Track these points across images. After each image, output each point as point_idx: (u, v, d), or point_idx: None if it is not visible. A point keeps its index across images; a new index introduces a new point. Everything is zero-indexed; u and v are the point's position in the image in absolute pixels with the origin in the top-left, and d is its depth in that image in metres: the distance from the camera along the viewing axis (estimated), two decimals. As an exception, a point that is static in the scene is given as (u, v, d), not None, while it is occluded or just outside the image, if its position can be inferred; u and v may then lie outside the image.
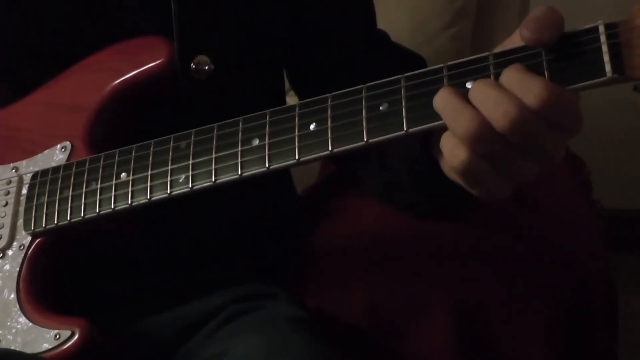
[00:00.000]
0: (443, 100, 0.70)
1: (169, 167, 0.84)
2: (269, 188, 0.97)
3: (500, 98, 0.67)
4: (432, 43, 1.66)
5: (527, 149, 0.68)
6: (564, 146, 0.70)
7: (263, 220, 1.04)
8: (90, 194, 0.88)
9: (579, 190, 1.19)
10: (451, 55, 1.66)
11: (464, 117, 0.68)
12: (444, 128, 0.71)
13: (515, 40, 0.70)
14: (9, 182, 0.94)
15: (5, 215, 0.93)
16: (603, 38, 0.65)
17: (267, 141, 0.79)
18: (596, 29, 0.66)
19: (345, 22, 1.05)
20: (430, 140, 0.77)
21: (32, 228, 0.90)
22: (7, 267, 0.91)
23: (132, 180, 0.86)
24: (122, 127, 0.93)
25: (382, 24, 1.11)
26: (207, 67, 0.94)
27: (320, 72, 1.05)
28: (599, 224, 1.14)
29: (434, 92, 0.71)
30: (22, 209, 0.92)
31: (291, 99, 1.15)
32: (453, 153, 0.70)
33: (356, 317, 1.00)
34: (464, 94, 0.69)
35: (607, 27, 0.66)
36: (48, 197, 0.90)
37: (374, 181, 1.00)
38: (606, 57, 0.65)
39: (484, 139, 0.68)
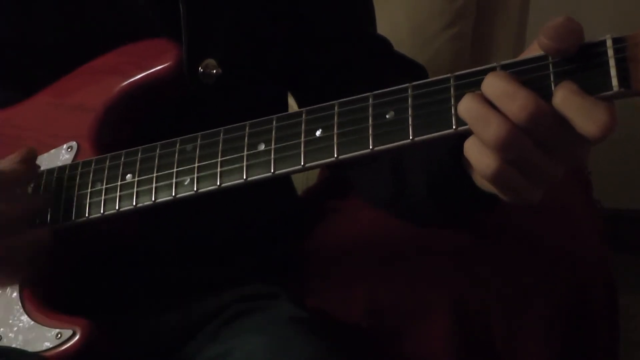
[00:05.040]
0: (468, 108, 0.68)
1: (175, 170, 0.84)
2: (268, 189, 0.96)
3: (514, 91, 0.66)
4: (432, 43, 1.66)
5: (553, 148, 0.67)
6: (589, 147, 0.69)
7: (263, 220, 1.05)
8: (95, 194, 0.88)
9: (579, 190, 1.19)
10: (451, 56, 1.66)
11: (491, 124, 0.66)
12: (451, 137, 0.71)
13: (533, 52, 0.69)
14: None
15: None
16: (610, 52, 0.65)
17: (272, 146, 0.79)
18: (604, 42, 0.66)
19: (344, 25, 1.05)
20: (460, 147, 0.76)
21: (36, 227, 0.90)
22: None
23: (138, 181, 0.86)
24: (128, 128, 0.93)
25: (382, 24, 1.11)
26: (214, 71, 0.95)
27: (319, 77, 1.05)
28: (599, 224, 1.14)
29: (440, 102, 0.71)
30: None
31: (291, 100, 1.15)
32: (480, 160, 0.69)
33: (356, 317, 1.00)
34: (489, 100, 0.68)
35: (615, 41, 0.65)
36: (53, 197, 0.90)
37: (380, 189, 0.99)
38: (613, 72, 0.65)
39: (512, 145, 0.66)
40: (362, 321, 1.00)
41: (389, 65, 1.05)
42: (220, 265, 1.01)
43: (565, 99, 0.65)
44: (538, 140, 0.67)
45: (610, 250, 1.12)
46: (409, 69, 1.06)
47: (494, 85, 0.67)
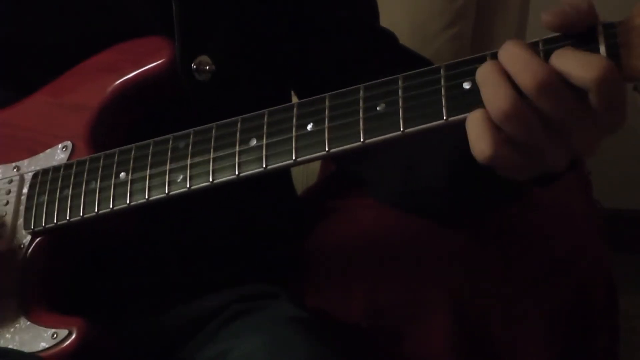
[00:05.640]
0: (483, 72, 0.67)
1: (167, 167, 0.84)
2: (268, 188, 0.97)
3: (527, 59, 0.65)
4: (432, 43, 1.66)
5: (556, 126, 0.67)
6: (599, 135, 0.68)
7: (263, 220, 1.04)
8: (90, 193, 0.88)
9: (579, 190, 1.18)
10: (451, 56, 1.66)
11: (499, 93, 0.66)
12: (441, 128, 0.70)
13: None
14: (10, 181, 0.94)
15: (6, 214, 0.93)
16: (601, 38, 0.65)
17: (264, 141, 0.79)
18: (594, 28, 0.66)
19: (346, 19, 1.05)
20: None
21: (32, 227, 0.91)
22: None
23: (131, 180, 0.86)
24: (123, 127, 0.93)
25: (382, 24, 1.11)
26: (208, 68, 0.95)
27: (322, 73, 1.04)
28: (599, 224, 1.14)
29: (431, 93, 0.71)
30: (22, 208, 0.92)
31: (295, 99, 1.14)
32: (477, 142, 0.68)
33: (356, 317, 1.00)
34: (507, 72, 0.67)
35: (606, 27, 0.66)
36: (48, 196, 0.91)
37: (391, 183, 0.98)
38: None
39: (515, 118, 0.66)
40: (362, 321, 1.00)
41: (395, 60, 1.04)
42: (220, 265, 1.00)
43: (561, 54, 0.65)
44: (544, 116, 0.66)
45: (610, 250, 1.12)
46: (417, 63, 1.05)
47: (509, 50, 0.67)
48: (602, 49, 0.65)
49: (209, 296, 0.99)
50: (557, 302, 1.03)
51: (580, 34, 0.66)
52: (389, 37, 1.07)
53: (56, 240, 0.91)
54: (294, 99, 1.12)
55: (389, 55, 1.05)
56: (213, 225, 0.99)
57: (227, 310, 0.98)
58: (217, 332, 0.97)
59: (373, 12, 1.08)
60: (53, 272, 0.92)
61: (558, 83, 0.65)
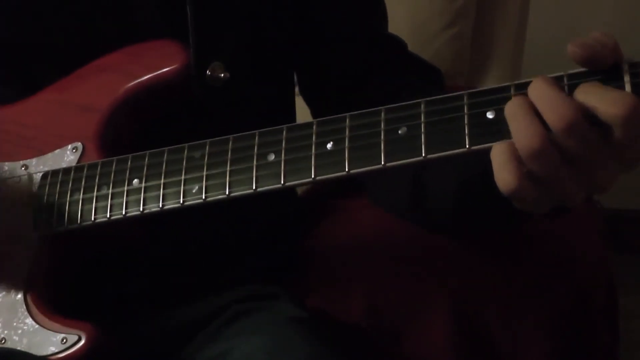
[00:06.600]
0: (514, 106, 0.68)
1: (182, 177, 0.83)
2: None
3: (557, 98, 0.66)
4: (432, 43, 1.66)
5: (579, 165, 0.67)
6: (619, 171, 0.69)
7: (263, 221, 1.04)
8: (102, 198, 0.87)
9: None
10: (451, 56, 1.66)
11: (528, 130, 0.66)
12: (463, 155, 0.70)
13: None
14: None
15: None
16: (627, 77, 0.66)
17: (282, 157, 0.78)
18: (619, 67, 0.67)
19: (355, 25, 1.05)
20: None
21: (41, 229, 0.90)
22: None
23: (145, 187, 0.85)
24: (133, 130, 0.93)
25: (382, 23, 1.11)
26: (222, 75, 0.94)
27: (331, 79, 1.04)
28: (599, 224, 1.14)
29: (453, 120, 0.71)
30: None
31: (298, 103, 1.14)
32: (500, 173, 0.68)
33: (356, 317, 1.00)
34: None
35: (631, 66, 0.66)
36: (58, 199, 0.90)
37: (397, 197, 0.98)
38: None
39: (541, 156, 0.66)
40: (362, 321, 1.00)
41: (405, 67, 1.04)
42: (221, 266, 1.00)
43: (588, 89, 0.66)
44: (567, 154, 0.67)
45: (610, 250, 1.12)
46: (426, 72, 1.05)
47: (538, 87, 0.67)
48: (628, 87, 0.66)
49: (210, 297, 0.99)
50: (557, 302, 1.03)
51: (604, 71, 0.67)
52: (398, 44, 1.07)
53: (63, 242, 0.91)
54: (297, 101, 1.12)
55: (397, 62, 1.04)
56: (213, 226, 0.99)
57: (227, 311, 0.98)
58: (217, 332, 0.97)
59: (382, 18, 1.08)
60: (59, 273, 0.92)
61: (584, 121, 0.65)
